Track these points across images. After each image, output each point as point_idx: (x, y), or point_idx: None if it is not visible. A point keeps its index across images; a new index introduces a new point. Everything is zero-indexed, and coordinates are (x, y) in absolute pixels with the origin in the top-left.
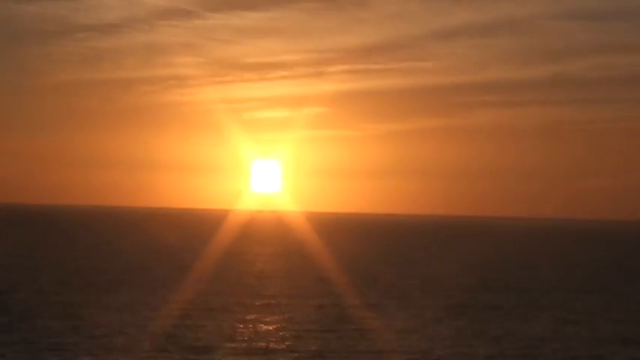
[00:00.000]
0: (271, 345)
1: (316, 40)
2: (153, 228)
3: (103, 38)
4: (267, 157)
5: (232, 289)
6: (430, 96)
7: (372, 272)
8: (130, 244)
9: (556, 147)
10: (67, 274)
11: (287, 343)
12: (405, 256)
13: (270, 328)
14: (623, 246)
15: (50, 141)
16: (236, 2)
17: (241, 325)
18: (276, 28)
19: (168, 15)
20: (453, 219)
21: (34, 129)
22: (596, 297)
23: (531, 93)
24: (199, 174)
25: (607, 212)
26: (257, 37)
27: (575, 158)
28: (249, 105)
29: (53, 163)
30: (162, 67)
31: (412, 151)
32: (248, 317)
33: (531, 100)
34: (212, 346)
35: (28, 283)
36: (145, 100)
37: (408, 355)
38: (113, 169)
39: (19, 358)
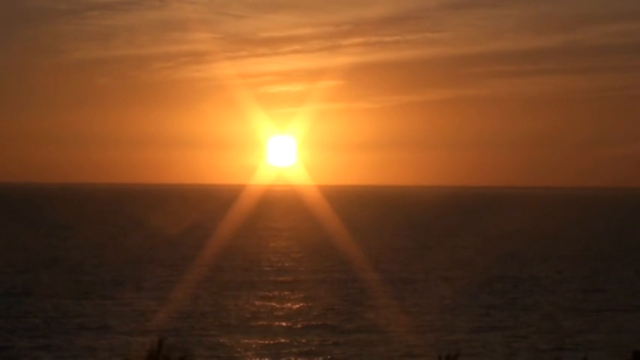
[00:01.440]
0: (299, 323)
1: (330, 14)
2: (170, 205)
3: (116, 16)
4: (282, 132)
5: (255, 265)
6: (445, 67)
7: (394, 245)
8: (148, 222)
9: (572, 115)
10: (86, 252)
11: (314, 320)
12: (425, 229)
13: (297, 305)
14: None
15: (65, 120)
16: None
17: (270, 303)
18: (289, 2)
19: None
20: (470, 190)
21: (48, 107)
22: (622, 265)
23: (545, 62)
24: (215, 149)
25: (628, 179)
26: (271, 11)
27: (592, 126)
28: (264, 79)
29: (68, 142)
30: (175, 43)
31: (428, 123)
32: (274, 294)
33: (546, 69)
34: (241, 325)
35: (48, 264)
36: (159, 77)
37: (438, 329)
38: (128, 147)
39: (51, 338)
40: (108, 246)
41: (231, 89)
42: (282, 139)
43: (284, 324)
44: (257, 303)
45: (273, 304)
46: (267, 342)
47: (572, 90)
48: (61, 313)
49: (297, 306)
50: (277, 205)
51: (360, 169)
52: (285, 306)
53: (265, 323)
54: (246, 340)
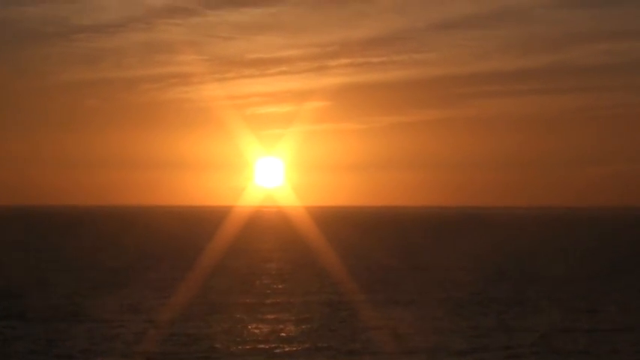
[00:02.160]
0: (293, 346)
1: (317, 35)
2: (157, 227)
3: (104, 38)
4: (270, 153)
5: (247, 287)
6: (432, 87)
7: (385, 266)
8: (136, 244)
9: (560, 135)
10: (76, 274)
11: (307, 343)
12: (413, 249)
13: (290, 327)
14: (636, 232)
15: (53, 142)
16: None
17: (264, 325)
18: (276, 24)
19: (168, 13)
20: (457, 210)
21: (36, 130)
22: (616, 285)
23: (533, 82)
24: (202, 171)
25: (617, 199)
26: (258, 32)
27: (580, 145)
28: (251, 101)
29: (56, 164)
30: (163, 65)
31: (415, 143)
32: (261, 317)
33: (533, 89)
34: (234, 348)
35: (38, 286)
36: (147, 99)
37: (426, 351)
38: (116, 169)
39: None
40: (96, 268)
41: (218, 110)
42: (270, 160)
43: (277, 346)
44: (251, 325)
45: (267, 326)
46: None
47: (560, 110)
48: (51, 336)
49: (291, 328)
50: (266, 227)
51: (348, 189)
52: (278, 328)
53: (259, 346)
54: None
